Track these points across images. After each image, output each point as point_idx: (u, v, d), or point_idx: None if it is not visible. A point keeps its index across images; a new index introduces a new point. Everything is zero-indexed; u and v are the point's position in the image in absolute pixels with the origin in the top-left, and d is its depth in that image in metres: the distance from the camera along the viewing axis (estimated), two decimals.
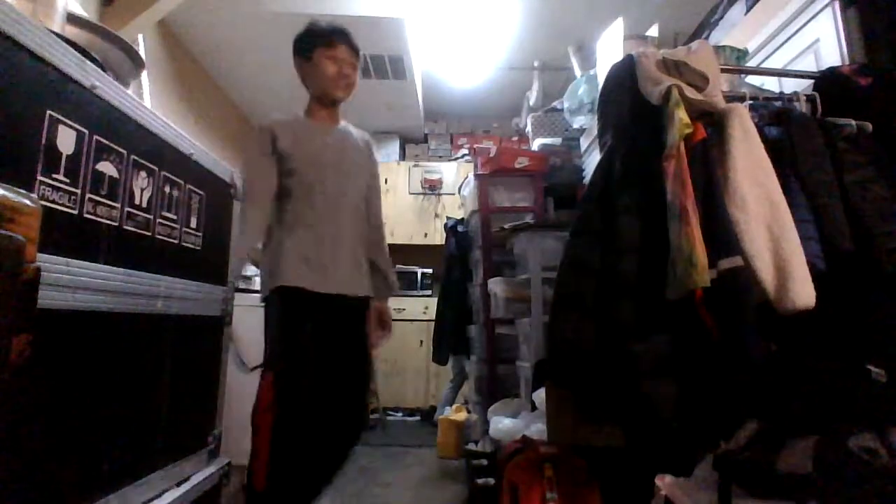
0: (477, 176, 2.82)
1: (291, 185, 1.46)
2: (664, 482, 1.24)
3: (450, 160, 4.91)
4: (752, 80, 1.58)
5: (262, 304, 1.45)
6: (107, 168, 1.03)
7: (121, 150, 1.07)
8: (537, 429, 1.80)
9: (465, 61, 3.96)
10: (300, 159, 1.46)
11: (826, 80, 1.34)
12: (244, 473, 2.30)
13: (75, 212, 0.95)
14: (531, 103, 3.67)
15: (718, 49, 1.50)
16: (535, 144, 2.94)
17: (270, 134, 1.46)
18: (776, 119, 1.22)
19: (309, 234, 1.43)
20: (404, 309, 4.21)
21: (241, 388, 2.28)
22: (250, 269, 3.57)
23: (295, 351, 1.35)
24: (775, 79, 1.61)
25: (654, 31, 2.16)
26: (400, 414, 4.14)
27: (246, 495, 1.30)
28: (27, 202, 0.56)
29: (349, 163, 1.57)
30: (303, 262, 1.40)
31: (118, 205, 1.07)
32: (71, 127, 0.93)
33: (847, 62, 1.44)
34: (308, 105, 1.60)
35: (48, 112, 0.88)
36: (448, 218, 3.67)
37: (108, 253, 1.04)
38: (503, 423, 2.03)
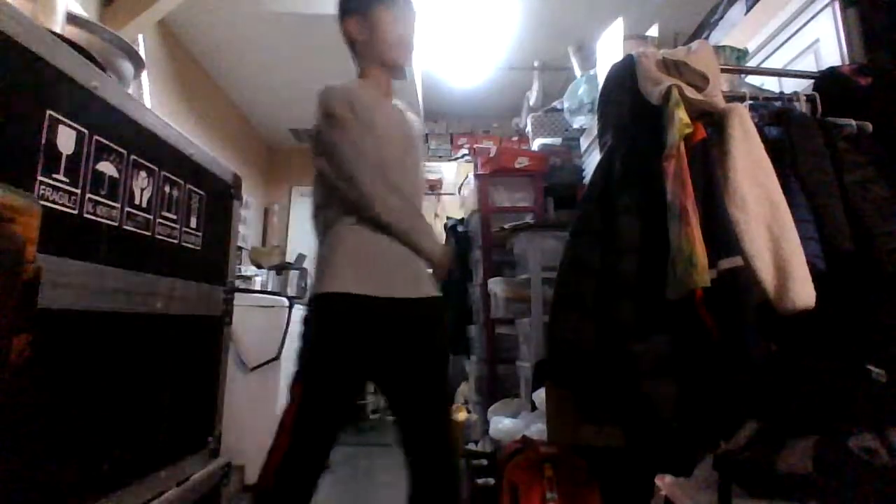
0: (477, 176, 2.83)
1: None
2: (664, 482, 1.23)
3: (450, 160, 4.91)
4: (752, 80, 1.58)
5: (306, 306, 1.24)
6: (107, 168, 1.03)
7: (121, 150, 1.07)
8: (537, 429, 1.80)
9: (465, 61, 3.96)
10: (372, 137, 1.18)
11: (826, 80, 1.34)
12: (244, 473, 2.31)
13: (75, 212, 0.95)
14: (531, 103, 3.67)
15: (718, 49, 1.51)
16: (535, 144, 2.95)
17: (347, 96, 1.19)
18: (776, 119, 1.22)
19: (369, 225, 1.18)
20: None
21: (241, 388, 2.29)
22: (250, 269, 3.57)
23: (333, 365, 1.15)
24: (775, 79, 1.61)
25: (654, 31, 2.16)
26: None
27: (254, 490, 1.22)
28: (27, 202, 0.56)
29: (411, 145, 1.32)
30: (364, 263, 1.17)
31: (118, 205, 1.07)
32: (71, 127, 0.93)
33: (847, 62, 1.44)
34: (361, 74, 1.31)
35: (48, 112, 0.88)
36: (448, 218, 3.67)
37: (108, 253, 1.04)
38: (503, 423, 2.04)
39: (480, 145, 4.57)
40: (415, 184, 1.33)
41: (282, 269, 3.46)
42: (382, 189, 1.15)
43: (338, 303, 1.15)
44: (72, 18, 1.19)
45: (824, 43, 1.55)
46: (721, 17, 2.53)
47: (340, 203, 1.20)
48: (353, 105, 1.18)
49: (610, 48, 1.98)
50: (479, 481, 1.93)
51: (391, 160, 1.21)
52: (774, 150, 1.12)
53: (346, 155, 1.16)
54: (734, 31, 2.13)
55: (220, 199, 1.55)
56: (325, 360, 1.16)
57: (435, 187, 4.75)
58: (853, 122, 1.21)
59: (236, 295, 1.69)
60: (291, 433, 1.13)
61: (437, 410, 1.26)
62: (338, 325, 1.15)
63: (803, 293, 0.98)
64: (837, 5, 1.50)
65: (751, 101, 1.26)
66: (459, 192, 3.60)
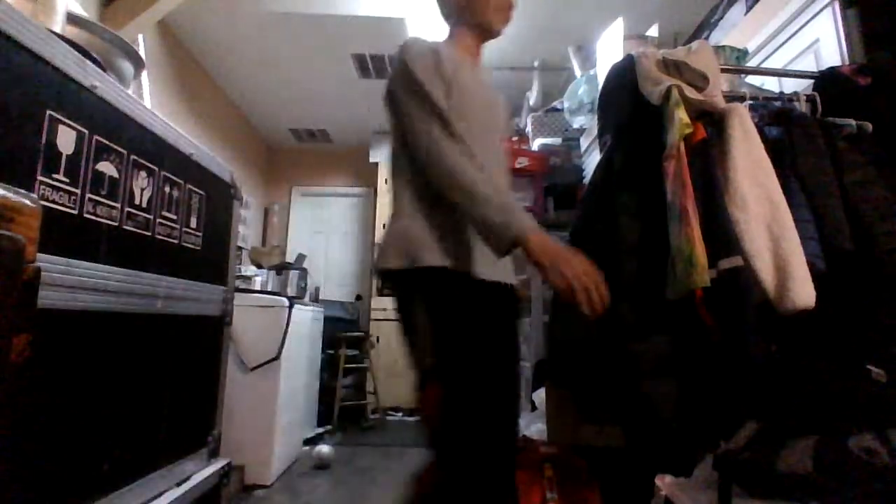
0: None
1: None
2: (664, 482, 1.23)
3: None
4: (752, 80, 1.58)
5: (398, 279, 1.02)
6: (107, 168, 1.03)
7: (121, 150, 1.07)
8: (537, 429, 1.80)
9: None
10: (460, 104, 1.05)
11: (826, 80, 1.34)
12: (244, 473, 2.31)
13: (75, 212, 0.95)
14: (531, 103, 3.67)
15: (718, 49, 1.51)
16: (535, 144, 2.94)
17: (436, 56, 1.06)
18: (776, 119, 1.22)
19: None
20: None
21: (241, 388, 2.29)
22: (250, 269, 3.57)
23: (476, 359, 0.96)
24: (775, 79, 1.61)
25: (654, 31, 2.16)
26: (400, 414, 4.14)
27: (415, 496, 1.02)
28: (27, 202, 0.56)
29: (496, 115, 1.20)
30: (467, 243, 1.02)
31: (118, 205, 1.07)
32: (71, 127, 0.93)
33: (847, 62, 1.44)
34: (454, 38, 1.20)
35: (48, 112, 0.88)
36: None
37: (108, 253, 1.04)
38: None
39: None
40: (497, 158, 1.13)
41: (282, 269, 3.46)
42: (454, 145, 0.96)
43: (455, 277, 0.98)
44: (72, 18, 1.19)
45: (824, 43, 1.55)
46: (721, 17, 2.53)
47: (421, 169, 1.02)
48: (439, 61, 1.05)
49: (610, 48, 1.98)
50: None
51: (471, 124, 1.03)
52: (774, 150, 1.12)
53: (415, 110, 1.02)
54: (734, 31, 2.13)
55: (220, 199, 1.55)
56: (474, 335, 0.97)
57: None
58: (853, 122, 1.21)
59: (236, 295, 1.69)
60: (439, 451, 0.95)
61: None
62: (460, 304, 0.98)
63: (803, 293, 0.98)
64: (837, 5, 1.50)
65: (751, 101, 1.26)
66: None
